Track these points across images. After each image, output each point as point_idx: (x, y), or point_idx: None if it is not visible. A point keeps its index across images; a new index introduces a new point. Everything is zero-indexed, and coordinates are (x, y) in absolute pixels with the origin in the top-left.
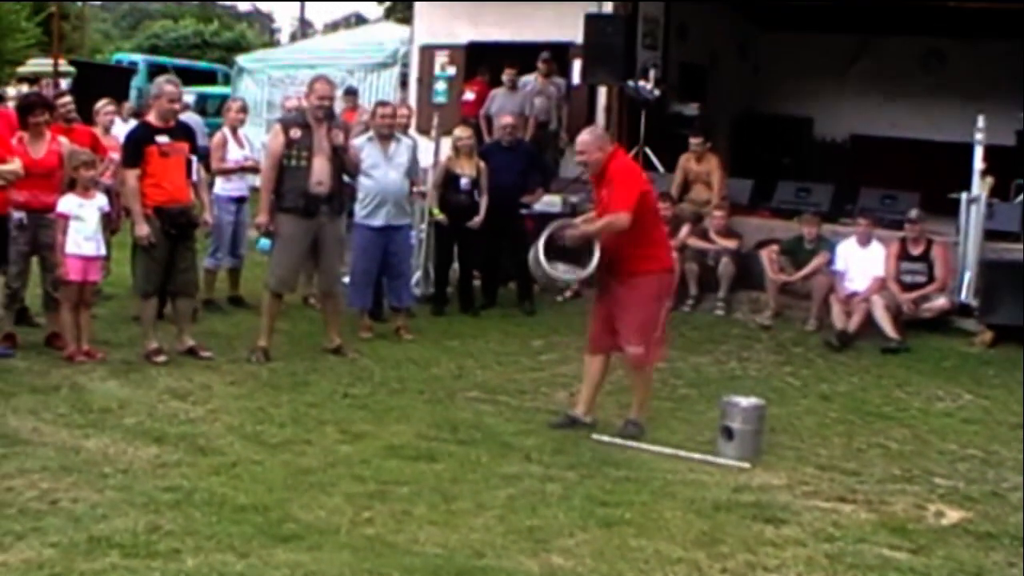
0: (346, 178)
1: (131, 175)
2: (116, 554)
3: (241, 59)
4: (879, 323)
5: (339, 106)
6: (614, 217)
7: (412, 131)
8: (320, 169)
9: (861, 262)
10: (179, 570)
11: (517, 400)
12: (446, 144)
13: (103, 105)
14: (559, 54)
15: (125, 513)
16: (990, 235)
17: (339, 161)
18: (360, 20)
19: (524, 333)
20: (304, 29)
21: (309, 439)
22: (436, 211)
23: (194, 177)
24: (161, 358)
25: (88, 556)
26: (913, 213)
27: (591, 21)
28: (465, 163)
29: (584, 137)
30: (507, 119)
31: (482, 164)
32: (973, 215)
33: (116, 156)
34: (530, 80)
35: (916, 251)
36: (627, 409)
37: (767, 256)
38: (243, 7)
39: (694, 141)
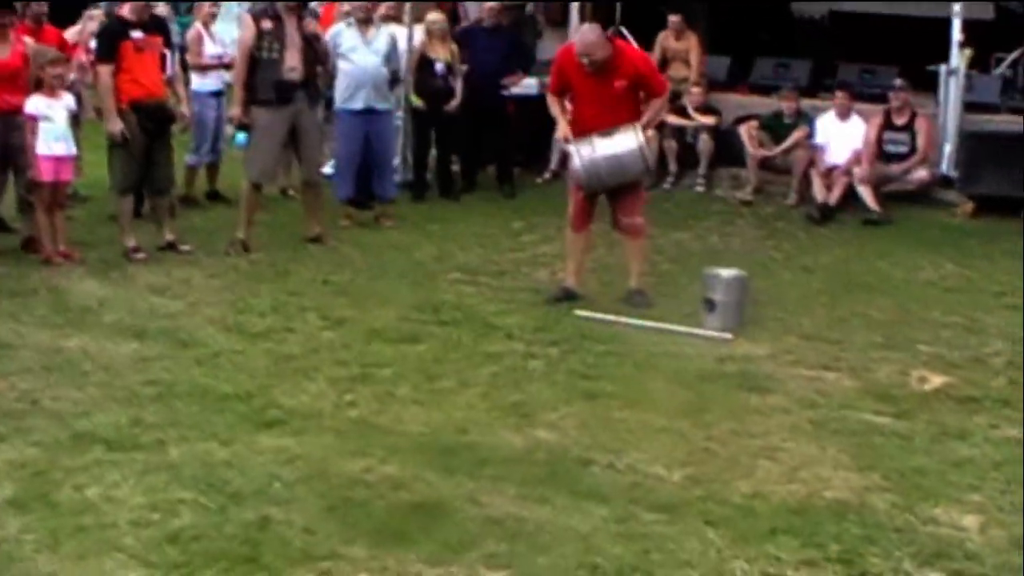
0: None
1: (105, 70)
2: (100, 449)
3: None
4: (860, 195)
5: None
6: (663, 98)
7: (395, 25)
8: (292, 58)
9: (841, 135)
10: (163, 461)
11: (498, 280)
12: (419, 31)
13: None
14: None
15: (107, 409)
16: (970, 107)
17: (312, 51)
18: None
19: (504, 215)
20: None
21: (290, 327)
22: (413, 97)
23: (168, 72)
24: (140, 255)
25: (72, 452)
26: (898, 82)
27: None
28: (439, 47)
29: (590, 38)
30: (490, 3)
31: (455, 48)
32: (952, 87)
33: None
34: None
35: (900, 121)
36: (609, 286)
37: (747, 132)
38: None
39: (672, 19)
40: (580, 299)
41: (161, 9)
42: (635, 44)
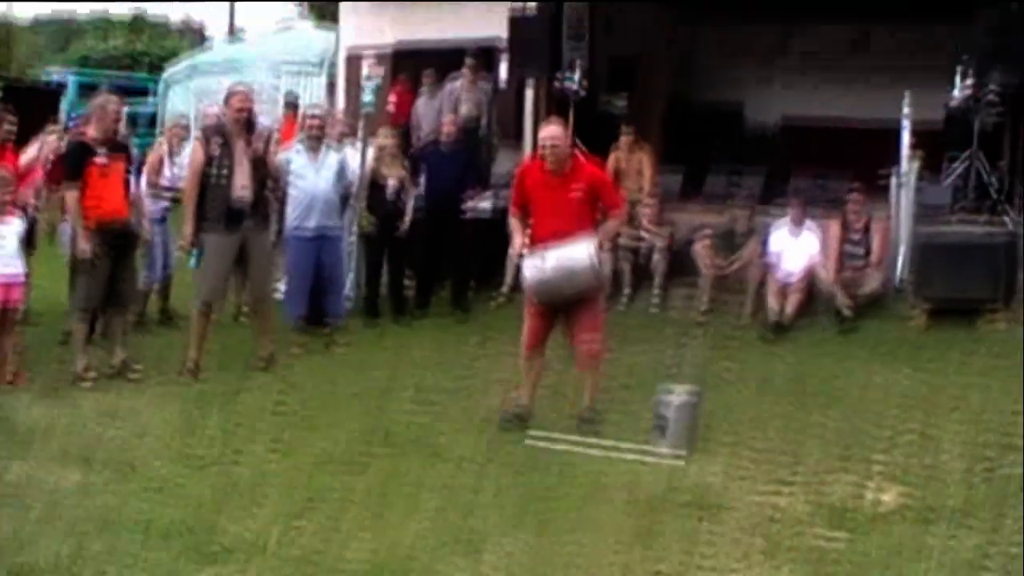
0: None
1: (71, 193)
2: None
3: (168, 69)
4: (831, 293)
5: (269, 112)
6: (620, 217)
7: (350, 145)
8: (242, 180)
9: (795, 247)
10: None
11: (450, 404)
12: (371, 151)
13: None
14: (486, 52)
15: (49, 540)
16: (922, 213)
17: (261, 171)
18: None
19: (459, 336)
20: (234, 36)
21: (238, 454)
22: (364, 218)
23: (132, 192)
24: (91, 375)
25: None
26: (853, 190)
27: (516, 18)
28: (389, 168)
29: (556, 130)
30: (447, 121)
31: (406, 168)
32: (904, 194)
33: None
34: (455, 82)
35: (856, 229)
36: (562, 408)
37: (700, 248)
38: (175, 18)
39: (625, 133)
40: (533, 422)
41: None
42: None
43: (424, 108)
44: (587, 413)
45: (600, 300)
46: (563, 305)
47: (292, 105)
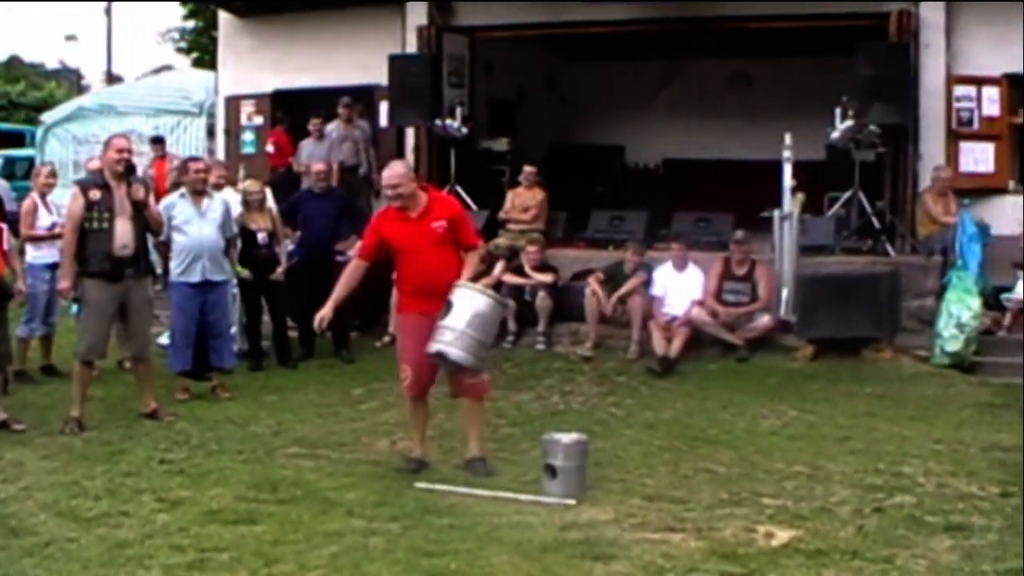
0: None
1: None
2: None
3: (47, 115)
4: (716, 334)
5: (148, 156)
6: (477, 254)
7: (229, 189)
8: (123, 230)
9: (679, 286)
10: None
11: (338, 453)
12: None
13: None
14: (365, 96)
15: None
16: (805, 250)
17: (142, 219)
18: (168, 69)
19: (344, 382)
20: (112, 83)
21: (125, 510)
22: (239, 267)
23: (4, 245)
24: None
25: None
26: (739, 234)
27: (395, 62)
28: (258, 217)
29: (397, 170)
30: (319, 166)
31: (276, 215)
32: (787, 232)
33: None
34: (334, 127)
35: (740, 272)
36: (450, 453)
37: (594, 281)
38: (51, 64)
39: (528, 170)
40: (428, 468)
41: None
42: (471, 202)
43: (309, 150)
44: (474, 461)
45: None
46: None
47: (158, 142)
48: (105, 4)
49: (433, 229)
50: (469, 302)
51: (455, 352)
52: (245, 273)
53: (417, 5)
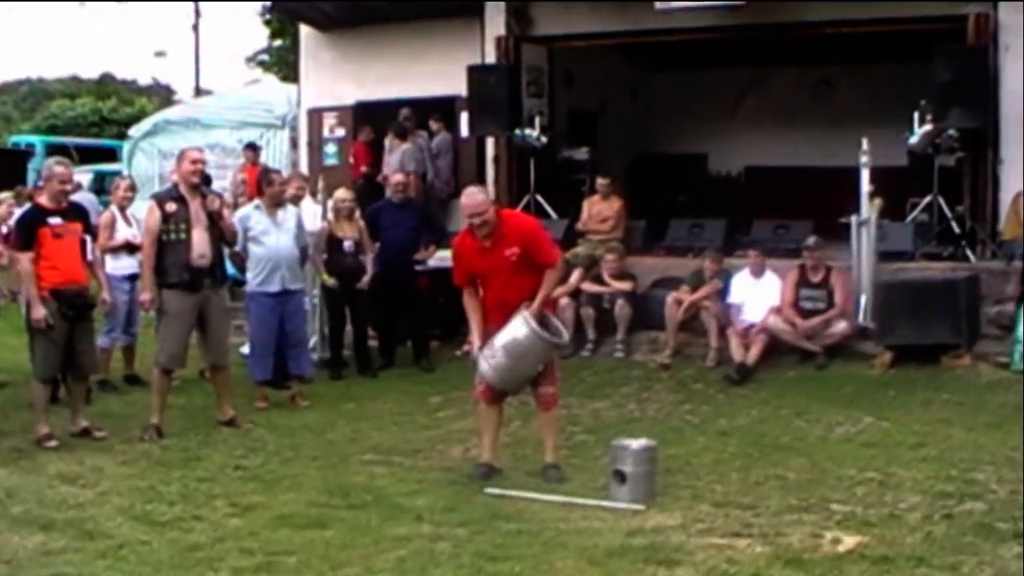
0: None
1: (24, 258)
2: None
3: (133, 129)
4: (794, 342)
5: (231, 168)
6: (556, 270)
7: (308, 199)
8: (200, 241)
9: (756, 293)
10: None
11: (411, 460)
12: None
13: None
14: (446, 107)
15: None
16: (884, 256)
17: (217, 230)
18: (256, 83)
19: (422, 391)
20: (200, 94)
21: (198, 515)
22: (325, 276)
23: (89, 257)
24: (52, 443)
25: None
26: (811, 241)
27: (474, 73)
28: (346, 226)
29: (478, 198)
30: (397, 177)
31: (363, 225)
32: (864, 238)
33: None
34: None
35: (816, 278)
36: (522, 460)
37: (675, 297)
38: (143, 80)
39: (601, 181)
40: (498, 474)
41: (78, 196)
42: (551, 211)
43: (389, 162)
44: (548, 468)
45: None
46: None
47: (253, 147)
48: (192, 21)
49: (507, 257)
50: (513, 328)
51: (483, 366)
52: (332, 281)
53: (496, 16)
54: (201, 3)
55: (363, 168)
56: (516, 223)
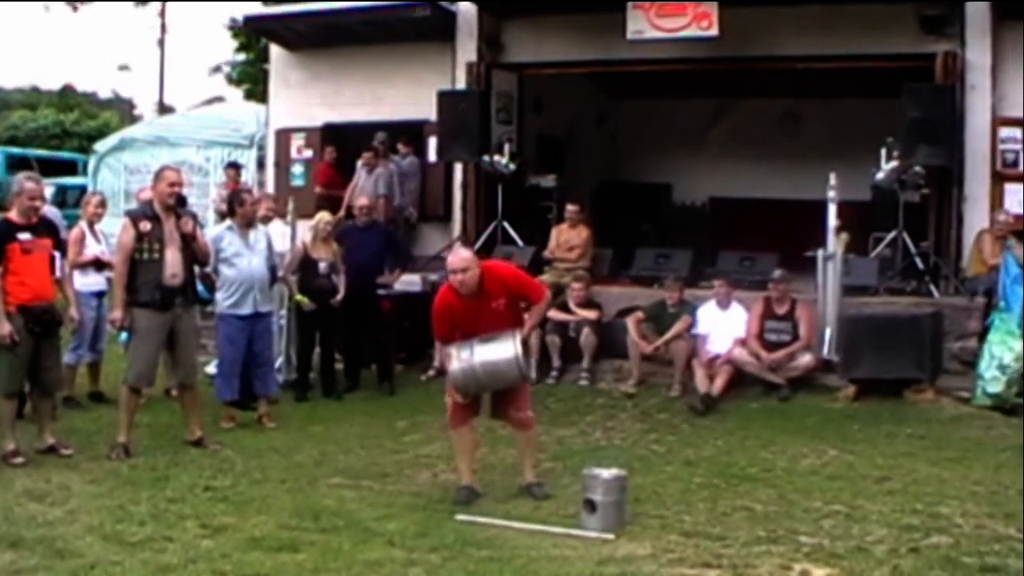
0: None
1: None
2: None
3: (99, 144)
4: (759, 374)
5: (197, 187)
6: (544, 303)
7: (277, 221)
8: (173, 260)
9: (722, 324)
10: None
11: (380, 484)
12: (302, 227)
13: None
14: (415, 131)
15: None
16: (849, 290)
17: (190, 250)
18: (219, 100)
19: (387, 415)
20: (164, 112)
21: (169, 535)
22: (300, 296)
23: (58, 273)
24: (19, 459)
25: None
26: (777, 273)
27: (444, 98)
28: (322, 247)
29: (464, 255)
30: (362, 200)
31: (336, 247)
32: (830, 272)
33: None
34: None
35: (781, 310)
36: (490, 487)
37: (633, 322)
38: (104, 93)
39: (570, 208)
40: (482, 497)
41: (47, 209)
42: (517, 238)
43: (359, 186)
44: (532, 486)
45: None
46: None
47: (235, 166)
48: (158, 36)
49: (494, 309)
50: (500, 349)
51: (454, 365)
52: (306, 302)
53: (467, 42)
54: (167, 16)
55: (317, 189)
56: (497, 275)
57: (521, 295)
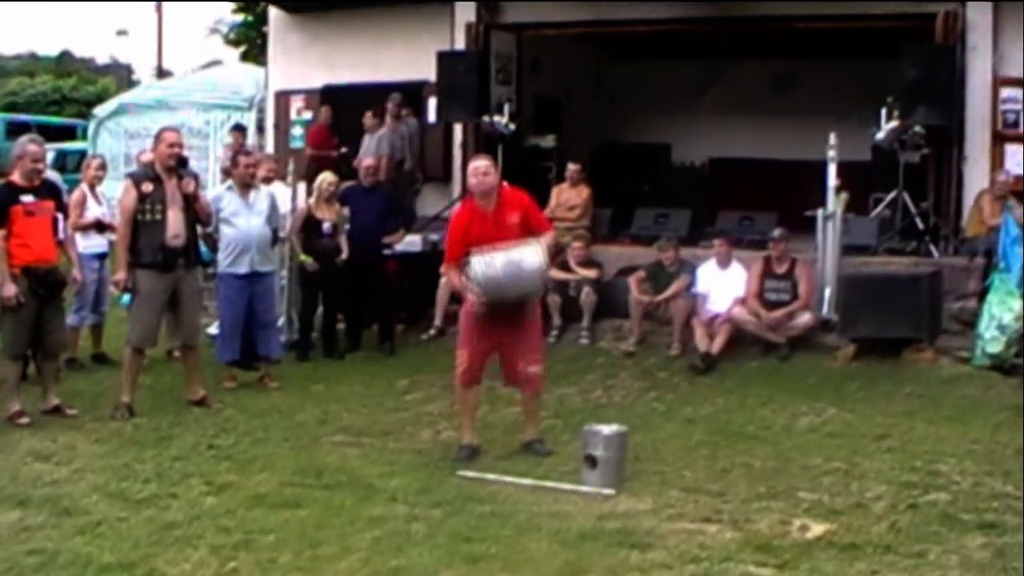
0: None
1: None
2: None
3: (98, 109)
4: (758, 333)
5: (197, 149)
6: (551, 235)
7: (278, 183)
8: (175, 222)
9: (722, 284)
10: None
11: (382, 441)
12: (302, 189)
13: None
14: (414, 93)
15: None
16: (848, 250)
17: (192, 211)
18: (216, 64)
19: (389, 374)
20: (162, 77)
21: (174, 493)
22: (304, 256)
23: (61, 235)
24: (24, 420)
25: None
26: (776, 232)
27: (443, 59)
28: (326, 208)
29: (485, 160)
30: (367, 161)
31: (338, 207)
32: (830, 231)
33: None
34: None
35: (780, 269)
36: (492, 444)
37: (635, 281)
38: (102, 59)
39: (571, 167)
40: (483, 454)
41: (49, 173)
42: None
43: (366, 147)
44: (533, 443)
45: (539, 323)
46: (503, 319)
47: (240, 128)
48: (155, 1)
49: (510, 225)
50: (525, 252)
51: (477, 268)
52: (310, 261)
53: (465, 3)
54: None
55: (308, 150)
56: (515, 192)
57: (533, 217)
